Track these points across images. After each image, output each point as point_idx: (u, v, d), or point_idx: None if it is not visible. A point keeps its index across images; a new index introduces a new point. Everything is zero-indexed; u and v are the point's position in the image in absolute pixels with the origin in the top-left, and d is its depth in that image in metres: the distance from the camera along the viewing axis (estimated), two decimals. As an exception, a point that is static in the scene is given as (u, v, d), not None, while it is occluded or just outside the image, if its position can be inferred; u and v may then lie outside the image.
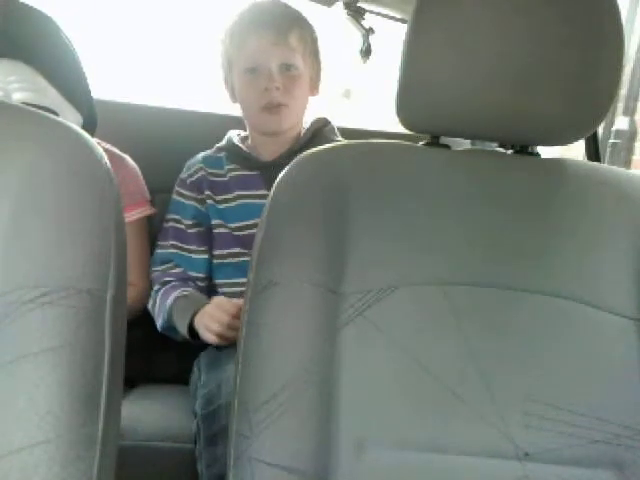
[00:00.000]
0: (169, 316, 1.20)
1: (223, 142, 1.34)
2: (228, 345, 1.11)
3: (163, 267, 1.28)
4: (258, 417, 0.74)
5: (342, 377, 0.77)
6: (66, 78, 1.20)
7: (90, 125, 1.24)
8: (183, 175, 1.31)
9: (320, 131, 1.32)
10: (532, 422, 0.79)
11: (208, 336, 1.11)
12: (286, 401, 0.74)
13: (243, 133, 1.35)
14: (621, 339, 0.82)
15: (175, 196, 1.31)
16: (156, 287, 1.27)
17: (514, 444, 0.78)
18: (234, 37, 1.25)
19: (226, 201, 1.27)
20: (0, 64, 1.15)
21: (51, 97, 1.18)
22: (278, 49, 1.22)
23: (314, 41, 1.30)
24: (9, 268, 0.62)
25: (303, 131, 1.32)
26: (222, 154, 1.31)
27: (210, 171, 1.29)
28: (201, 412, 1.06)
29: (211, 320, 1.11)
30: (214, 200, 1.27)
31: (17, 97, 1.15)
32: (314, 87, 1.32)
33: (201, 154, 1.32)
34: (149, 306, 1.27)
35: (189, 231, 1.28)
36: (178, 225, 1.29)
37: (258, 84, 1.22)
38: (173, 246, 1.28)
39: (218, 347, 1.16)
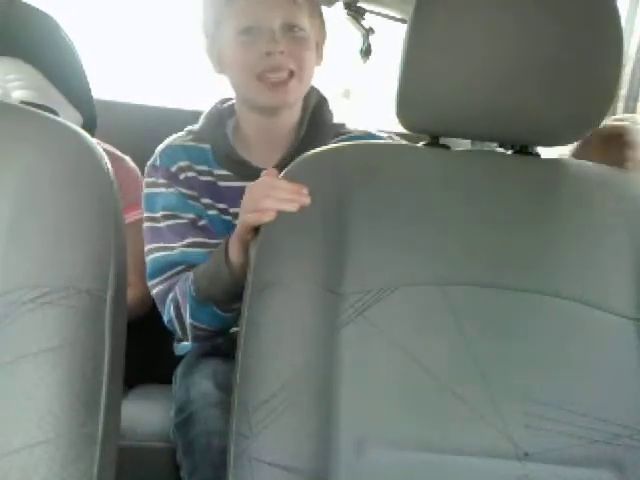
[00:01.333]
0: (195, 286, 0.99)
1: (200, 125, 1.12)
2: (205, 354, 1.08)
3: (170, 273, 1.05)
4: (258, 417, 0.74)
5: (342, 377, 0.77)
6: (66, 77, 1.20)
7: (90, 124, 1.24)
8: (171, 167, 1.07)
9: (319, 118, 1.13)
10: (532, 422, 0.79)
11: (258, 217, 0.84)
12: (286, 401, 0.74)
13: (228, 103, 1.15)
14: (621, 339, 0.82)
15: (161, 189, 1.08)
16: (168, 298, 1.04)
17: (514, 444, 0.78)
18: None
19: (226, 213, 1.07)
20: (0, 62, 1.15)
21: (51, 96, 1.17)
22: (279, 4, 1.02)
23: (319, 1, 1.11)
24: (9, 268, 0.62)
25: (299, 116, 1.12)
26: (206, 146, 1.09)
27: (198, 168, 1.08)
28: (175, 420, 1.04)
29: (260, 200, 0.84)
30: (218, 209, 1.07)
31: (16, 95, 1.14)
32: (319, 55, 1.12)
33: (177, 142, 1.10)
34: (167, 323, 1.07)
35: (200, 224, 1.06)
36: (180, 220, 1.06)
37: (256, 47, 1.02)
38: (194, 244, 1.04)
39: (204, 351, 1.12)
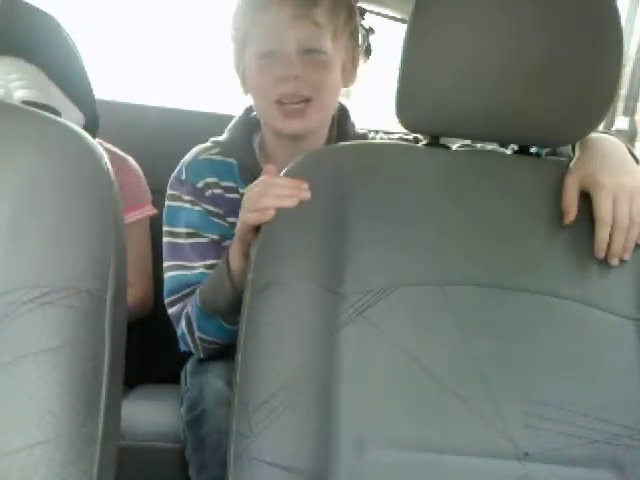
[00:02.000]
0: (201, 298, 0.99)
1: (227, 137, 1.10)
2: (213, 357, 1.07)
3: (186, 292, 1.04)
4: (258, 417, 0.74)
5: (342, 377, 0.77)
6: (68, 76, 1.20)
7: (92, 125, 1.24)
8: (197, 184, 1.06)
9: (344, 133, 1.10)
10: (532, 422, 0.79)
11: (258, 217, 0.84)
12: (286, 400, 0.74)
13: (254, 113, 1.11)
14: (621, 339, 0.82)
15: (186, 204, 1.06)
16: (182, 320, 1.04)
17: (514, 444, 0.78)
18: (248, 12, 1.00)
19: None
20: (1, 62, 1.15)
21: (53, 95, 1.17)
22: (298, 26, 0.97)
23: (351, 16, 1.04)
24: (9, 268, 0.62)
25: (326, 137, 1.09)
26: (232, 161, 1.07)
27: (225, 185, 1.06)
28: (186, 418, 1.04)
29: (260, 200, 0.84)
30: None
31: (19, 95, 1.14)
32: (348, 77, 1.07)
33: (203, 156, 1.08)
34: (180, 337, 1.07)
35: (224, 244, 1.04)
36: (202, 239, 1.04)
37: (271, 72, 0.99)
38: (215, 266, 1.01)
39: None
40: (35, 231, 0.63)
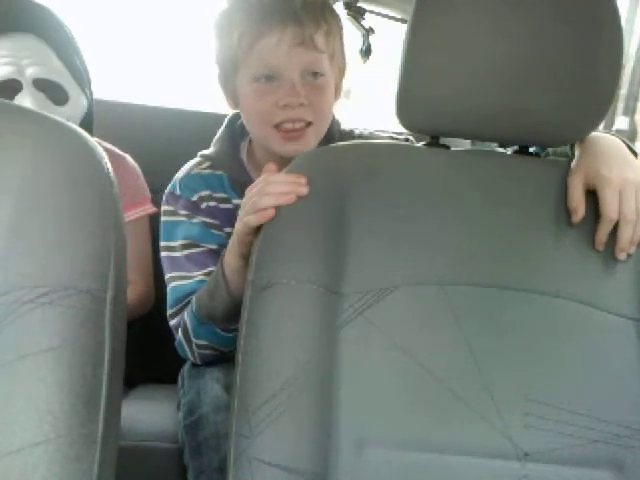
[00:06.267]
0: (197, 303, 0.99)
1: (214, 150, 1.10)
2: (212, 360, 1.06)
3: (186, 301, 1.03)
4: (258, 417, 0.74)
5: (342, 377, 0.77)
6: (74, 58, 1.20)
7: (89, 117, 1.24)
8: (191, 198, 1.06)
9: (331, 134, 1.09)
10: (532, 422, 0.79)
11: (259, 217, 0.84)
12: (286, 401, 0.74)
13: (240, 121, 1.11)
14: (621, 339, 0.82)
15: (182, 219, 1.06)
16: (178, 329, 1.04)
17: (514, 444, 0.78)
18: (243, 35, 0.98)
19: None
20: (12, 38, 1.14)
21: (63, 75, 1.17)
22: (300, 51, 0.98)
23: (342, 36, 1.05)
24: (9, 268, 0.62)
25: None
26: (221, 173, 1.08)
27: (217, 196, 1.07)
28: (184, 423, 1.03)
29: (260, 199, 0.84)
30: None
31: (30, 72, 1.13)
32: (337, 92, 1.07)
33: (195, 171, 1.09)
34: (177, 345, 1.07)
35: (222, 253, 1.01)
36: (200, 249, 1.04)
37: (274, 97, 0.98)
38: (210, 274, 1.01)
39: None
40: (35, 231, 0.63)
